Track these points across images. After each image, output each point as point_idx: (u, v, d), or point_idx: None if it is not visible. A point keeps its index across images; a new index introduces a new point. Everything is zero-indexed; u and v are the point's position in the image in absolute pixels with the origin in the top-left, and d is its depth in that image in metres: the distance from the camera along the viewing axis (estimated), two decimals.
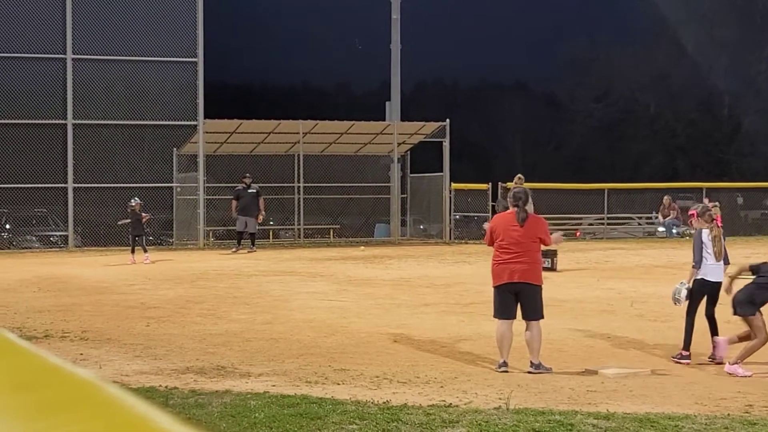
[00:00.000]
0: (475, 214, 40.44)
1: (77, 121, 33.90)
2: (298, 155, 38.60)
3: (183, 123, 35.46)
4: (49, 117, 33.89)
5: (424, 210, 42.36)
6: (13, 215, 35.26)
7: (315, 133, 38.94)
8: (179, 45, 34.72)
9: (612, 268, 26.08)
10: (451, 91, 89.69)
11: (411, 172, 42.32)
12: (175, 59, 34.96)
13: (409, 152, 42.00)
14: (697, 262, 13.08)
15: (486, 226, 13.97)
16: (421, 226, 43.28)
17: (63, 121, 33.69)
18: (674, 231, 41.53)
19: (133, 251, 27.96)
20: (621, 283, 21.63)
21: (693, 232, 13.49)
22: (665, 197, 40.41)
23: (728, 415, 9.39)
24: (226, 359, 12.75)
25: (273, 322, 16.53)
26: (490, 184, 38.08)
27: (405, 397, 10.20)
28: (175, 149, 36.26)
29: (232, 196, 33.24)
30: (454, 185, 39.46)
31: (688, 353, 12.70)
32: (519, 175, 27.75)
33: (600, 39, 79.09)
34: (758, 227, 52.94)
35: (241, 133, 37.85)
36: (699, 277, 13.06)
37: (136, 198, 28.87)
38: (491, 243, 12.37)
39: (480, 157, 74.62)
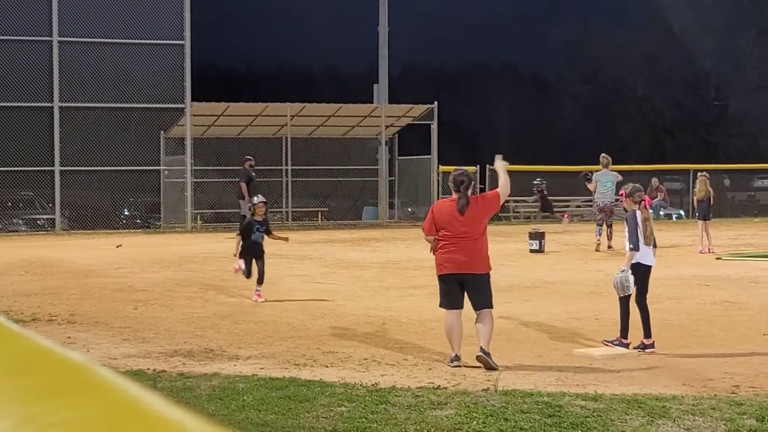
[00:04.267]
0: None
1: (64, 104, 33.83)
2: (286, 138, 38.58)
3: (170, 106, 35.39)
4: (35, 100, 33.81)
5: (412, 192, 42.42)
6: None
7: (303, 116, 38.93)
8: (166, 27, 34.64)
9: (601, 250, 26.11)
10: (440, 73, 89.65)
11: (399, 155, 42.37)
12: (162, 42, 34.88)
13: (397, 135, 42.05)
14: (635, 245, 12.36)
15: None
16: (409, 209, 43.34)
17: (49, 104, 33.61)
18: (661, 213, 41.65)
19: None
20: (609, 265, 21.64)
21: (645, 212, 12.71)
22: (653, 179, 40.50)
23: (715, 395, 9.43)
24: (214, 342, 12.76)
25: (261, 304, 16.53)
26: (479, 166, 38.09)
27: (393, 380, 10.23)
28: (162, 132, 36.21)
29: (242, 179, 32.12)
30: (442, 168, 39.43)
31: (628, 341, 12.17)
32: (603, 154, 27.40)
33: (589, 21, 79.10)
34: (745, 209, 53.09)
35: (229, 116, 37.81)
36: (634, 261, 12.34)
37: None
38: (431, 232, 11.53)
39: (468, 140, 74.58)
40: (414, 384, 9.96)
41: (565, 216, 44.35)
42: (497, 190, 11.65)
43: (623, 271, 12.22)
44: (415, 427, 8.08)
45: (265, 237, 17.19)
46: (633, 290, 12.17)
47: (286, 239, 18.30)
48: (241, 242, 17.19)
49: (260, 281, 16.74)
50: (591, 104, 75.52)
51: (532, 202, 26.62)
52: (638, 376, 10.64)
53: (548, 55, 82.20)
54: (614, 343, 12.25)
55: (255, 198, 17.32)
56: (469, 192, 11.49)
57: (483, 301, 11.38)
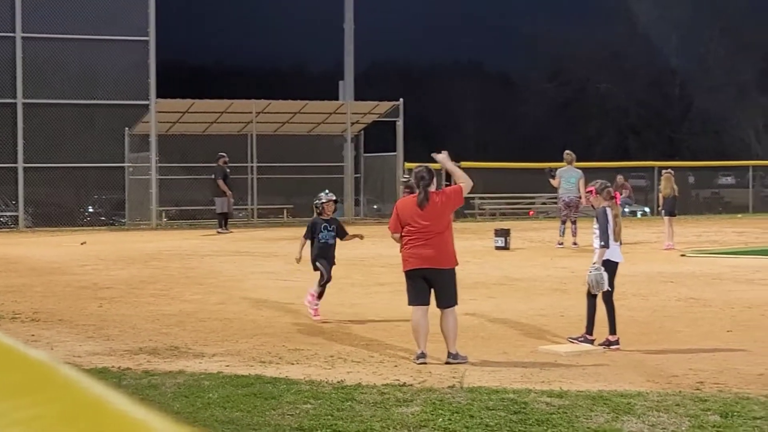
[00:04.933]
0: None
1: (27, 101, 33.61)
2: (252, 135, 38.49)
3: (135, 102, 35.24)
4: None
5: (378, 190, 42.40)
6: None
7: (268, 113, 38.87)
8: (131, 24, 34.46)
9: (565, 247, 26.21)
10: (405, 70, 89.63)
11: (365, 152, 42.34)
12: (127, 38, 34.69)
13: (362, 132, 42.01)
14: (607, 242, 12.31)
15: None
16: (375, 206, 43.32)
17: (12, 101, 33.36)
18: (626, 210, 41.82)
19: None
20: (574, 262, 21.73)
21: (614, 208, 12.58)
22: (618, 176, 40.63)
23: (680, 392, 9.47)
24: (179, 339, 12.71)
25: (226, 302, 16.49)
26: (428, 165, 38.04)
27: (359, 377, 10.22)
28: (127, 129, 36.03)
29: (218, 176, 32.31)
30: (408, 165, 39.42)
31: (593, 337, 12.23)
32: (567, 151, 27.60)
33: (554, 18, 79.29)
34: (709, 206, 53.44)
35: (194, 112, 37.70)
36: (605, 258, 12.32)
37: None
38: (396, 229, 11.58)
39: (434, 137, 74.57)
40: (380, 381, 9.95)
41: (531, 213, 44.56)
42: (460, 184, 11.63)
43: (597, 268, 12.22)
44: (380, 424, 8.08)
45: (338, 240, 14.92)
46: (607, 287, 12.18)
47: (361, 237, 15.64)
48: (304, 245, 14.77)
49: (320, 295, 14.69)
50: (556, 101, 75.70)
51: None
52: (603, 372, 10.68)
53: (513, 52, 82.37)
54: (579, 339, 12.30)
55: (323, 195, 14.75)
56: (432, 187, 11.49)
57: (447, 299, 11.39)
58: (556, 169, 27.40)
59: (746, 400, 8.96)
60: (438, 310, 11.39)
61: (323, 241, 14.53)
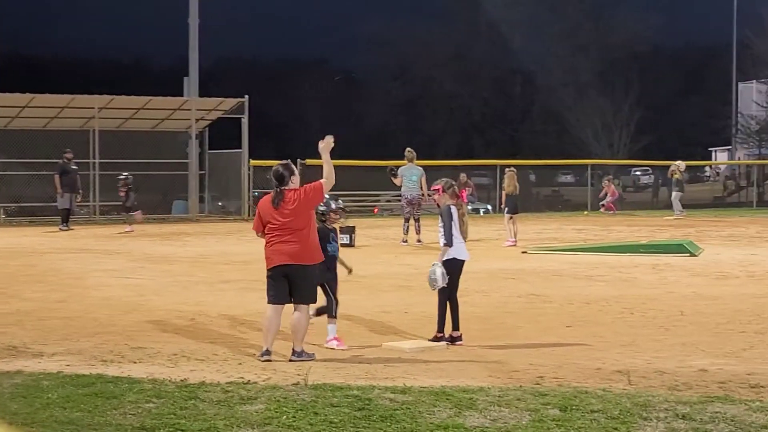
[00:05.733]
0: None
1: None
2: (94, 131, 37.85)
3: None
4: None
5: (223, 187, 42.12)
6: None
7: (111, 108, 38.30)
8: None
9: (409, 244, 26.43)
10: (251, 67, 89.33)
11: (210, 149, 42.04)
12: None
13: (207, 128, 41.70)
14: (450, 240, 12.37)
15: None
16: (220, 203, 43.03)
17: None
18: (469, 207, 42.34)
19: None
20: (418, 259, 21.93)
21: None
22: (461, 174, 41.09)
23: (520, 386, 9.62)
24: (18, 339, 12.43)
25: (68, 300, 16.19)
26: (289, 160, 38.01)
27: (203, 375, 10.14)
28: None
29: (56, 172, 31.98)
30: (253, 162, 39.31)
31: (442, 334, 12.32)
32: (408, 148, 27.64)
33: (399, 16, 79.91)
34: (549, 204, 54.48)
35: (34, 107, 36.92)
36: (450, 257, 12.40)
37: None
38: (258, 228, 11.59)
39: (279, 134, 74.52)
40: (224, 379, 9.89)
41: (375, 210, 44.82)
42: (320, 181, 11.60)
43: (435, 265, 12.33)
44: (224, 423, 8.02)
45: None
46: (443, 284, 12.23)
47: (350, 271, 13.48)
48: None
49: (329, 312, 12.43)
50: (400, 100, 76.32)
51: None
52: (446, 368, 10.79)
53: (359, 50, 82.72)
54: (436, 339, 12.35)
55: (332, 202, 12.88)
56: (292, 184, 11.47)
57: (302, 296, 11.36)
58: (397, 167, 27.61)
59: (584, 394, 9.15)
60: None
61: (331, 253, 12.59)
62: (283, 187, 11.41)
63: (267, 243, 11.45)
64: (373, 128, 75.96)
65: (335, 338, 12.13)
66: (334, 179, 11.62)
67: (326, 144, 11.75)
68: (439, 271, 12.21)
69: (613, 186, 48.32)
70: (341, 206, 13.12)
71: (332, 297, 12.42)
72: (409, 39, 73.79)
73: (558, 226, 35.69)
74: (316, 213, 12.24)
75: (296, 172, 11.61)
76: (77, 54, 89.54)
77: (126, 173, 32.18)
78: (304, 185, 11.55)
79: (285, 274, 11.31)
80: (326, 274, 12.34)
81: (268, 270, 11.44)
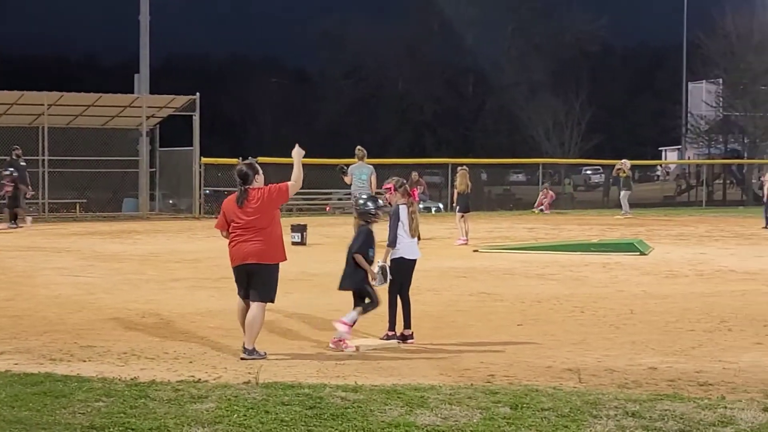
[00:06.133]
0: (225, 189, 40.34)
1: None
2: (43, 127, 37.57)
3: None
4: None
5: (174, 184, 41.95)
6: None
7: (60, 105, 38.04)
8: None
9: None
10: (203, 64, 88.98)
11: (160, 146, 41.84)
12: None
13: (158, 126, 41.49)
14: (392, 241, 12.37)
15: None
16: (171, 201, 42.86)
17: None
18: (421, 206, 42.42)
19: None
20: None
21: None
22: (413, 172, 41.15)
23: (471, 385, 9.64)
24: None
25: (16, 298, 16.05)
26: (241, 158, 37.93)
27: (153, 373, 10.08)
28: None
29: (7, 170, 31.75)
30: (204, 160, 39.18)
31: (393, 333, 12.34)
32: (359, 147, 27.31)
33: (351, 15, 79.87)
34: (501, 203, 54.72)
35: None
36: (397, 256, 12.40)
37: None
38: (222, 227, 11.60)
39: (231, 132, 74.28)
40: (174, 378, 9.84)
41: (327, 208, 44.78)
42: (288, 182, 11.62)
43: (378, 263, 12.30)
44: (174, 421, 7.98)
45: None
46: (384, 282, 12.22)
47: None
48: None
49: (369, 309, 12.33)
50: (353, 98, 76.28)
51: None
52: (398, 366, 10.79)
53: (310, 48, 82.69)
54: (383, 338, 12.34)
55: (371, 203, 12.49)
56: (256, 183, 11.47)
57: (257, 293, 11.38)
58: (347, 165, 27.56)
59: (535, 392, 9.19)
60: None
61: (372, 255, 12.25)
62: (247, 186, 11.41)
63: (230, 242, 11.50)
64: (325, 126, 75.87)
65: (343, 321, 11.97)
66: (301, 184, 11.64)
67: (298, 151, 11.92)
68: (378, 269, 12.20)
69: (551, 192, 48.61)
70: (381, 204, 12.72)
71: (374, 298, 12.19)
72: (362, 37, 73.78)
73: (509, 224, 35.82)
74: (365, 214, 12.29)
75: (260, 171, 11.60)
76: (26, 50, 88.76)
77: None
78: (269, 185, 11.56)
79: (247, 272, 11.37)
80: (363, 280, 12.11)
81: (232, 268, 11.53)
